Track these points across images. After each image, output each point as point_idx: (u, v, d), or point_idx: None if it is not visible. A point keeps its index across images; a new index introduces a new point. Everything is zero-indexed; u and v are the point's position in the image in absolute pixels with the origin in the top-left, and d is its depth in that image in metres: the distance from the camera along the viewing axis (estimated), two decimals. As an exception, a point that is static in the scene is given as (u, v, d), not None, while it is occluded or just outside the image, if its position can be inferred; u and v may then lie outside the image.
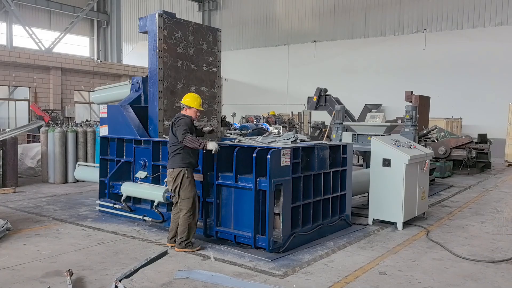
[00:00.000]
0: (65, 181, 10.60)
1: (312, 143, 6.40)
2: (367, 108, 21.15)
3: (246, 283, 3.00)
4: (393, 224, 6.84)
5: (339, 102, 13.27)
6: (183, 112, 5.69)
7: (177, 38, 7.16)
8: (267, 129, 11.90)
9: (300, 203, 5.77)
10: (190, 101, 5.64)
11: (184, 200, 5.45)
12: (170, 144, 5.59)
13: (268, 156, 5.25)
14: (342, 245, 5.92)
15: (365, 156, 9.33)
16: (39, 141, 11.38)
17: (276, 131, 13.78)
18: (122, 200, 7.01)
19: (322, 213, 6.21)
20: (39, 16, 28.77)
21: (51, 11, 29.02)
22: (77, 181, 10.34)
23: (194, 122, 5.73)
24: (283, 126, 16.74)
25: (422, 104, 12.70)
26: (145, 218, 6.81)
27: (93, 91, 9.15)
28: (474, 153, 13.86)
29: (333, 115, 11.45)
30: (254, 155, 5.37)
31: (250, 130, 10.43)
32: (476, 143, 14.56)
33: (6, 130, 10.20)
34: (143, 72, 21.02)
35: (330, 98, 13.82)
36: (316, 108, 14.20)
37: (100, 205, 7.48)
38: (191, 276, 3.41)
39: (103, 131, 7.60)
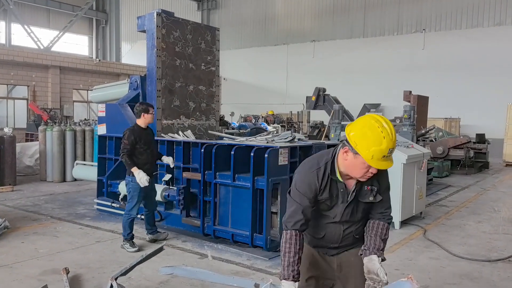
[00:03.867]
0: (63, 179, 10.60)
1: (309, 142, 6.42)
2: (366, 108, 21.18)
3: (229, 278, 3.05)
4: (390, 223, 6.85)
5: (337, 102, 13.28)
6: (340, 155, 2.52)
7: (175, 37, 7.17)
8: (266, 128, 11.91)
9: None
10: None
11: None
12: None
13: (266, 155, 5.26)
14: (339, 244, 5.93)
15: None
16: (37, 140, 11.38)
17: (274, 130, 13.79)
18: (120, 198, 7.00)
19: (320, 212, 6.21)
20: (38, 14, 28.73)
21: (50, 9, 28.98)
22: (75, 179, 10.32)
23: None
24: (281, 126, 16.77)
25: (420, 104, 12.71)
26: (143, 217, 6.80)
27: (91, 90, 9.16)
28: (472, 153, 13.88)
29: (331, 114, 11.46)
30: (252, 154, 5.38)
31: (249, 129, 10.44)
32: (474, 143, 14.58)
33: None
34: (142, 71, 21.02)
35: (329, 97, 13.83)
36: (314, 108, 14.21)
37: (98, 204, 7.49)
38: (175, 272, 3.45)
39: (101, 130, 7.61)
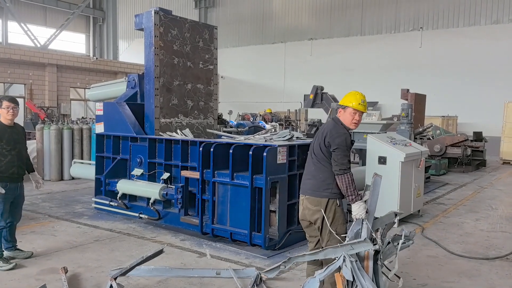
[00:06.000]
0: (61, 178, 10.57)
1: (308, 140, 6.41)
2: (363, 106, 21.15)
3: (189, 270, 3.12)
4: (388, 221, 6.86)
5: (335, 100, 13.26)
6: (339, 115, 3.82)
7: (173, 35, 7.15)
8: (264, 126, 11.90)
9: (296, 200, 5.78)
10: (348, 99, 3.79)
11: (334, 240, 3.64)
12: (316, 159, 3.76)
13: (264, 154, 5.26)
14: (337, 242, 5.93)
15: (361, 153, 9.35)
16: (35, 138, 11.34)
17: (272, 128, 13.78)
18: (118, 197, 7.00)
19: (318, 210, 6.22)
20: (35, 12, 28.62)
21: (46, 7, 28.88)
22: (73, 178, 10.30)
23: None
24: (279, 124, 16.77)
25: (418, 102, 12.72)
26: (141, 215, 6.80)
27: (89, 88, 9.12)
28: (469, 151, 13.92)
29: (329, 113, 11.46)
30: (251, 152, 5.37)
31: (247, 127, 10.43)
32: (471, 141, 14.62)
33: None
34: (139, 69, 20.97)
35: (327, 96, 13.80)
36: (312, 106, 14.17)
37: (96, 203, 7.47)
38: (131, 274, 3.50)
39: (99, 128, 7.58)
